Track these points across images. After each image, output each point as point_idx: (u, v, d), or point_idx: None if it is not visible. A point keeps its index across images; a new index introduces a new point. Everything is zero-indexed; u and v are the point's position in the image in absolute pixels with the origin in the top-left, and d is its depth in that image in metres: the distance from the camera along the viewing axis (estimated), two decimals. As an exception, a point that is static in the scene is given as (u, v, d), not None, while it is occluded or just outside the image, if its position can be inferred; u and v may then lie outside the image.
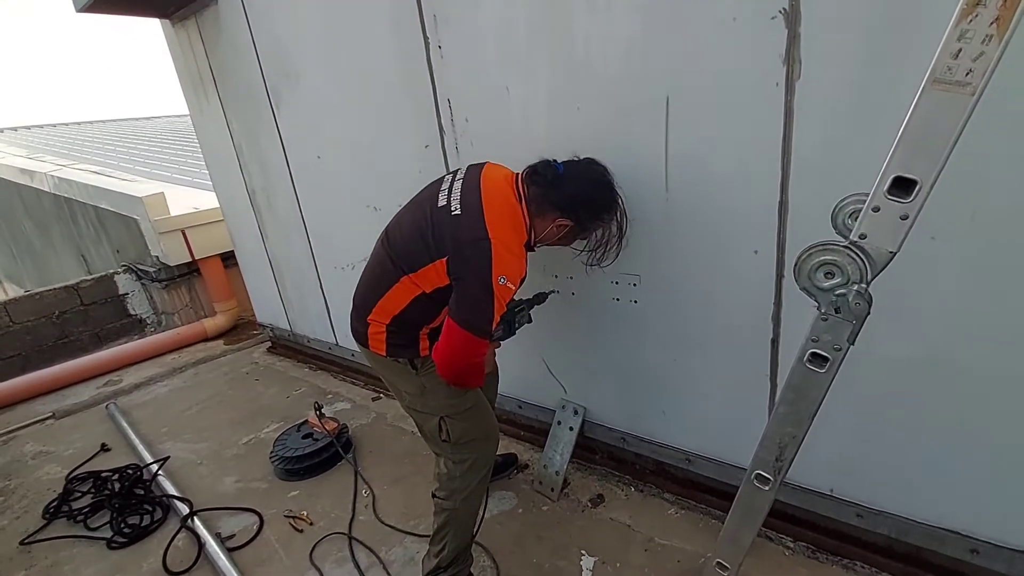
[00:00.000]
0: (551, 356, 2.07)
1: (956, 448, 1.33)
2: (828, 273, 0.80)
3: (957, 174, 1.10)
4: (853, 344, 0.83)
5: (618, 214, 1.51)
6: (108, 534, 2.08)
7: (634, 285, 1.71)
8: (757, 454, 1.00)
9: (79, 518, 2.19)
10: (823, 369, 0.86)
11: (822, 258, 0.80)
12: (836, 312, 0.81)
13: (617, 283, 1.75)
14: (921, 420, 1.35)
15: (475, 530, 1.60)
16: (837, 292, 0.80)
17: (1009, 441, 1.25)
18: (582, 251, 1.63)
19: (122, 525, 2.10)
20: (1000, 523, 1.33)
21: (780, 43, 1.25)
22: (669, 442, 1.85)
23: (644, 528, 1.80)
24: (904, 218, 0.72)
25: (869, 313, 0.80)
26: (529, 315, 1.74)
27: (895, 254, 0.75)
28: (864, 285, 0.78)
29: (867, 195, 0.99)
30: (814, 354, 0.86)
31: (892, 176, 0.71)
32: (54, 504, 2.28)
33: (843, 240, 0.78)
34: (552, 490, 1.97)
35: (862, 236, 0.76)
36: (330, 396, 3.00)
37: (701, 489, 1.85)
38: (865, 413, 1.43)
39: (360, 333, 1.48)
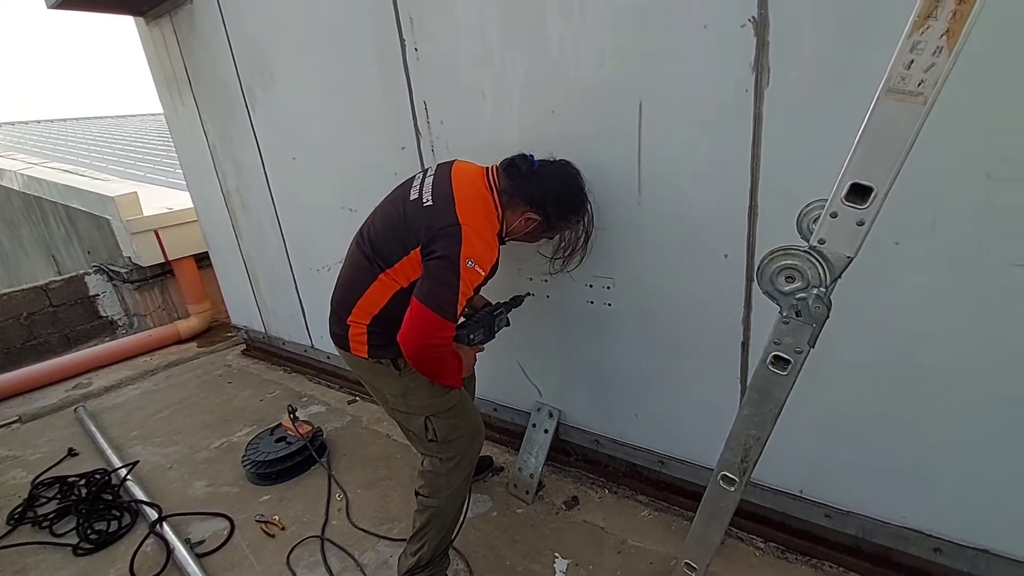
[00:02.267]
0: (526, 359, 2.07)
1: (918, 449, 1.36)
2: (789, 277, 0.81)
3: (918, 181, 1.14)
4: (813, 347, 0.85)
5: (585, 218, 1.55)
6: (74, 540, 2.02)
7: (608, 288, 1.73)
8: (723, 456, 1.01)
9: (44, 524, 2.14)
10: (785, 371, 0.87)
11: (783, 262, 0.81)
12: (797, 315, 0.83)
13: (591, 286, 1.76)
14: (885, 422, 1.39)
15: (455, 531, 1.60)
16: (797, 296, 0.81)
17: (968, 442, 1.29)
18: (550, 258, 1.65)
19: (88, 531, 2.05)
20: (961, 522, 1.36)
21: (749, 51, 1.27)
22: (642, 444, 1.86)
23: (617, 530, 1.81)
24: (861, 224, 0.74)
25: (828, 316, 0.81)
26: (507, 318, 1.75)
27: (852, 259, 0.77)
28: (823, 289, 0.79)
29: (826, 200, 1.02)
30: (776, 356, 0.87)
31: (849, 183, 0.73)
32: (19, 510, 2.22)
33: (804, 245, 0.79)
34: (527, 493, 1.97)
35: (821, 241, 0.78)
36: (305, 399, 2.96)
37: (674, 491, 1.86)
38: (832, 415, 1.46)
39: (340, 337, 1.47)
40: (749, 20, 1.25)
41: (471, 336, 1.61)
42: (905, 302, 1.26)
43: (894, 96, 0.67)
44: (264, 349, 3.58)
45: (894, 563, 1.51)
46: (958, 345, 1.23)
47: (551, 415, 2.03)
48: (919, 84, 0.65)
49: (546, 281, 1.86)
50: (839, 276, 0.78)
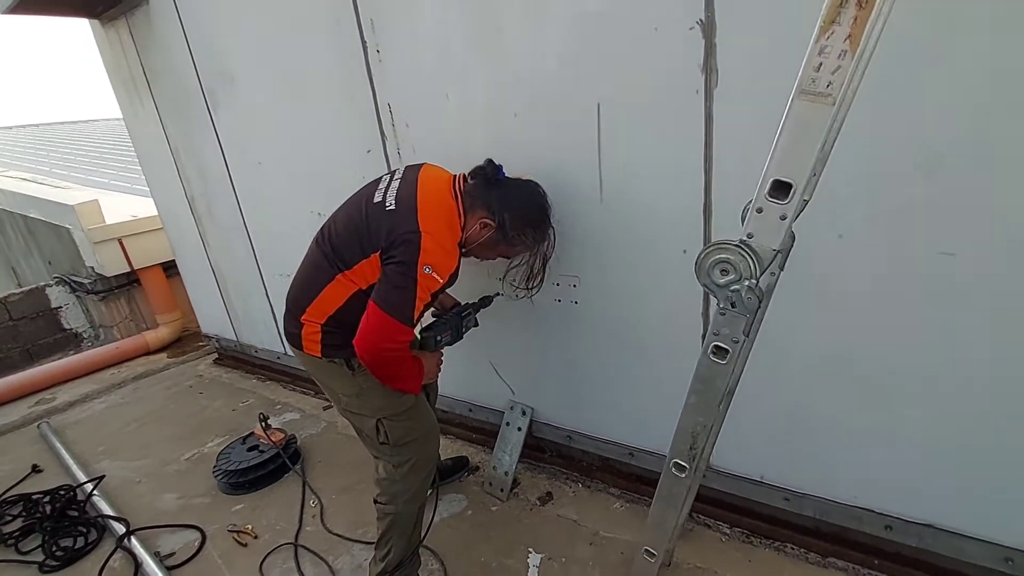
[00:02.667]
0: (498, 358, 2.09)
1: (864, 432, 1.43)
2: (723, 270, 0.85)
3: (859, 175, 1.19)
4: (748, 336, 0.89)
5: (544, 243, 1.57)
6: (40, 558, 1.99)
7: (574, 286, 1.76)
8: (673, 444, 1.05)
9: (9, 542, 2.10)
10: (725, 360, 0.91)
11: (717, 256, 0.85)
12: (732, 307, 0.87)
13: (558, 285, 1.79)
14: (835, 407, 1.45)
15: (422, 533, 1.61)
16: (732, 288, 0.85)
17: (907, 424, 1.35)
18: (502, 278, 1.70)
19: (54, 548, 2.02)
20: (908, 500, 1.43)
21: (698, 53, 1.31)
22: (612, 438, 1.91)
23: (590, 523, 1.85)
24: (783, 218, 0.78)
25: (760, 307, 0.86)
26: (476, 319, 1.76)
27: (778, 252, 0.81)
28: (755, 281, 0.83)
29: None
30: (716, 347, 0.91)
31: (771, 180, 0.77)
32: (-19, 529, 2.15)
33: (735, 239, 0.83)
34: (502, 490, 1.99)
35: (749, 236, 0.82)
36: (279, 407, 2.94)
37: (644, 482, 1.90)
38: (788, 403, 1.51)
39: (293, 335, 1.47)
40: (697, 23, 1.30)
41: (438, 337, 1.62)
42: (849, 293, 1.32)
43: (806, 97, 0.71)
44: (236, 358, 3.53)
45: (850, 541, 1.57)
46: (899, 335, 1.29)
47: (524, 413, 2.06)
48: (827, 85, 0.69)
49: (515, 281, 1.89)
50: (768, 267, 0.82)
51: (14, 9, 2.43)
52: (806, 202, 1.06)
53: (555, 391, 1.99)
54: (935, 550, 1.43)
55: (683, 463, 1.05)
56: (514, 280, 1.70)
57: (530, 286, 1.67)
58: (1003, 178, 1.08)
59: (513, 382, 2.10)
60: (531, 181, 1.52)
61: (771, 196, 0.77)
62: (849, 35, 0.67)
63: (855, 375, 1.38)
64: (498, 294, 1.85)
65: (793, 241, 1.10)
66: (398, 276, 1.27)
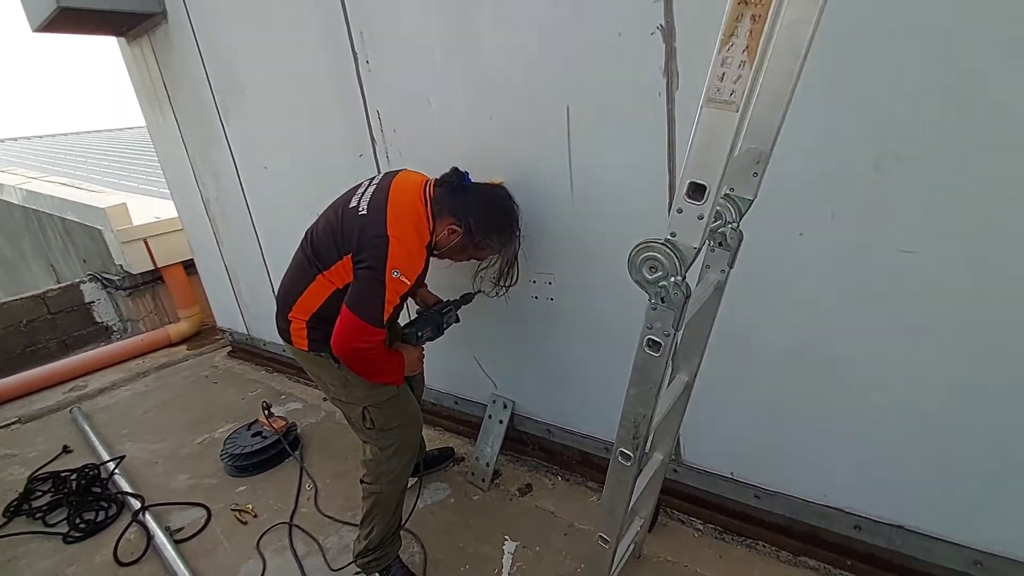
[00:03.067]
0: (481, 353, 2.17)
1: (831, 431, 1.43)
2: (652, 267, 0.90)
3: (818, 173, 1.22)
4: (678, 329, 0.93)
5: (511, 249, 1.63)
6: (65, 529, 2.16)
7: (549, 283, 1.82)
8: (618, 433, 1.10)
9: (38, 515, 2.28)
10: (658, 353, 0.96)
11: (646, 254, 0.90)
12: (662, 301, 0.92)
13: (534, 282, 1.85)
14: (801, 405, 1.46)
15: (402, 516, 1.70)
16: (660, 284, 0.90)
17: (873, 423, 1.36)
18: (473, 276, 1.77)
19: (78, 521, 2.19)
20: (876, 499, 1.43)
21: (659, 56, 1.35)
22: (589, 432, 1.95)
23: (566, 515, 1.90)
24: (700, 218, 0.83)
25: (687, 302, 0.90)
26: (456, 315, 1.84)
27: (699, 249, 0.86)
28: (680, 277, 0.88)
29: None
30: (650, 340, 0.96)
31: (687, 182, 0.82)
32: (14, 503, 2.36)
33: (661, 238, 0.88)
34: (483, 480, 2.07)
35: (672, 234, 0.86)
36: (284, 397, 3.09)
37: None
38: (757, 400, 1.54)
39: (283, 330, 1.57)
40: (658, 28, 1.34)
41: (419, 333, 1.70)
42: (811, 290, 1.35)
43: (713, 105, 0.76)
44: (247, 350, 3.70)
45: (821, 540, 1.58)
46: (862, 331, 1.30)
47: (505, 406, 2.13)
48: (731, 94, 0.74)
49: (486, 293, 1.95)
50: (690, 264, 0.87)
51: (46, 28, 2.62)
52: (751, 202, 1.11)
53: (535, 385, 2.05)
54: (905, 551, 1.43)
55: (628, 452, 1.10)
56: (487, 280, 1.77)
57: (501, 284, 1.74)
58: (962, 175, 1.09)
59: (496, 376, 2.17)
60: (498, 186, 1.59)
61: (689, 197, 0.82)
62: (747, 47, 0.71)
63: (821, 372, 1.39)
64: (479, 291, 1.92)
65: (741, 239, 1.14)
66: (367, 281, 1.35)
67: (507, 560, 1.75)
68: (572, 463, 2.08)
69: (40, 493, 2.43)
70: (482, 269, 1.73)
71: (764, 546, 1.67)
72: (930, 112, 1.09)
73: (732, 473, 1.68)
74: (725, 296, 1.48)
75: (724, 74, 0.75)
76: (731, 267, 1.18)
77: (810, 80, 1.17)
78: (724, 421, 1.62)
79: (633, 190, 1.52)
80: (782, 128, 1.00)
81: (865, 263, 1.25)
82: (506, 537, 1.83)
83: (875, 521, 1.45)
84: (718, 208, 1.12)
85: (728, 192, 1.11)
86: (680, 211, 0.85)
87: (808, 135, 1.23)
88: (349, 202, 1.48)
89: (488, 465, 2.07)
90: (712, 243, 1.16)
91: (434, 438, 2.42)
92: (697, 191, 0.82)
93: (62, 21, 2.60)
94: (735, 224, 1.12)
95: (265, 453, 2.38)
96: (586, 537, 1.79)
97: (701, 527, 1.78)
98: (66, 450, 2.80)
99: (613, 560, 1.28)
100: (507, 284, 1.74)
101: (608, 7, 1.39)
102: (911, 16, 1.06)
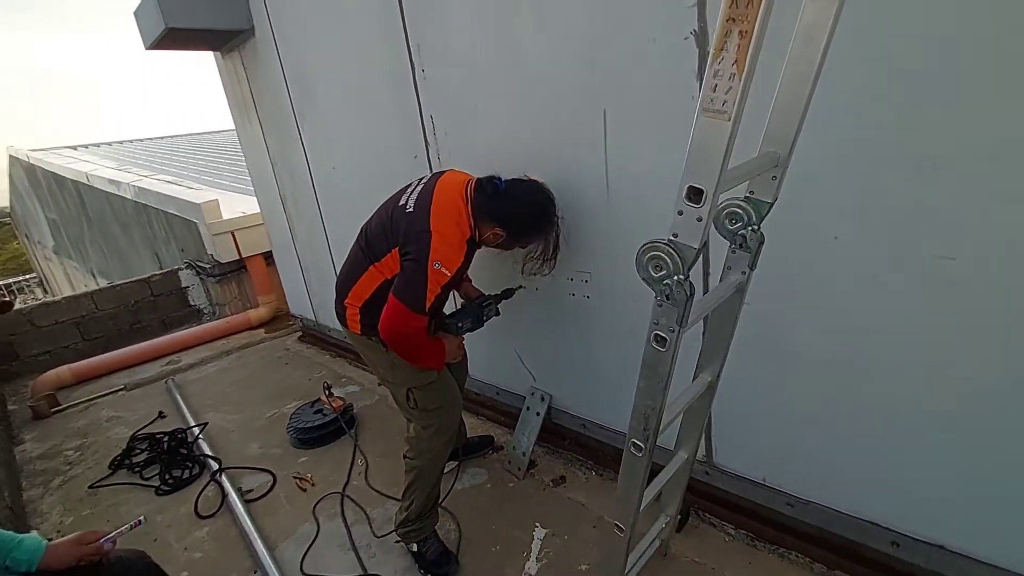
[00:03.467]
0: (522, 347, 2.26)
1: (868, 441, 1.40)
2: (657, 266, 0.95)
3: (854, 177, 1.21)
4: (682, 326, 0.98)
5: (553, 235, 1.72)
6: (157, 483, 2.48)
7: (586, 282, 1.88)
8: (630, 424, 1.15)
9: (136, 469, 2.62)
10: (664, 348, 1.01)
11: (651, 254, 0.95)
12: (667, 299, 0.97)
13: (572, 280, 1.91)
14: (834, 412, 1.43)
15: (440, 492, 1.82)
16: (664, 282, 0.95)
17: (911, 436, 1.32)
18: (525, 260, 1.86)
19: (167, 477, 2.50)
20: (914, 515, 1.38)
21: (693, 60, 1.38)
22: (623, 429, 1.98)
23: (597, 508, 1.95)
24: (699, 220, 0.87)
25: (690, 300, 0.95)
26: (497, 309, 1.94)
27: (699, 250, 0.90)
28: (683, 276, 0.93)
29: (738, 199, 1.14)
30: (656, 335, 1.01)
31: (687, 185, 0.87)
32: (118, 458, 2.71)
33: (665, 238, 0.93)
34: (519, 469, 2.16)
35: (675, 235, 0.91)
36: (344, 379, 3.34)
37: (654, 475, 1.96)
38: (789, 405, 1.52)
39: (340, 315, 1.73)
40: (691, 33, 1.37)
41: (459, 324, 1.82)
42: (845, 295, 1.32)
43: (708, 114, 0.80)
44: (315, 335, 4.01)
45: (859, 556, 1.52)
46: (898, 339, 1.27)
47: (543, 399, 2.21)
48: (723, 104, 0.78)
49: (535, 275, 2.04)
50: (692, 264, 0.91)
51: (157, 46, 3.01)
52: (771, 204, 1.12)
53: (571, 381, 2.11)
54: (946, 573, 1.38)
55: (639, 443, 1.15)
56: (533, 265, 1.85)
57: (546, 265, 1.83)
58: (1003, 181, 1.05)
59: (534, 369, 2.25)
60: (533, 181, 1.67)
61: (688, 201, 0.87)
62: (736, 60, 0.75)
63: (855, 379, 1.37)
64: (520, 287, 2.01)
65: (762, 242, 1.16)
66: (412, 271, 1.48)
67: (536, 545, 1.83)
68: (606, 459, 2.12)
69: (139, 451, 2.78)
70: (529, 254, 1.82)
71: (797, 556, 1.64)
72: (970, 116, 1.05)
73: (764, 479, 1.66)
74: (757, 299, 1.49)
75: (716, 85, 0.79)
76: (752, 269, 1.19)
77: (845, 82, 1.17)
78: (756, 425, 1.61)
79: (666, 191, 1.54)
80: (800, 132, 1.01)
81: (901, 269, 1.22)
82: (537, 524, 1.91)
83: (913, 538, 1.40)
84: (738, 210, 1.15)
85: (748, 195, 1.13)
86: (680, 213, 0.90)
87: (843, 138, 1.22)
88: (399, 200, 1.62)
89: (524, 455, 2.16)
90: (733, 245, 1.18)
91: (476, 426, 2.54)
92: (695, 194, 0.87)
93: (170, 39, 2.97)
94: (756, 226, 1.14)
95: (324, 429, 2.61)
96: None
97: (732, 532, 1.77)
98: (161, 415, 3.19)
99: (628, 548, 1.33)
100: (551, 266, 1.84)
101: (643, 13, 1.43)
102: (951, 19, 1.03)
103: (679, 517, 1.77)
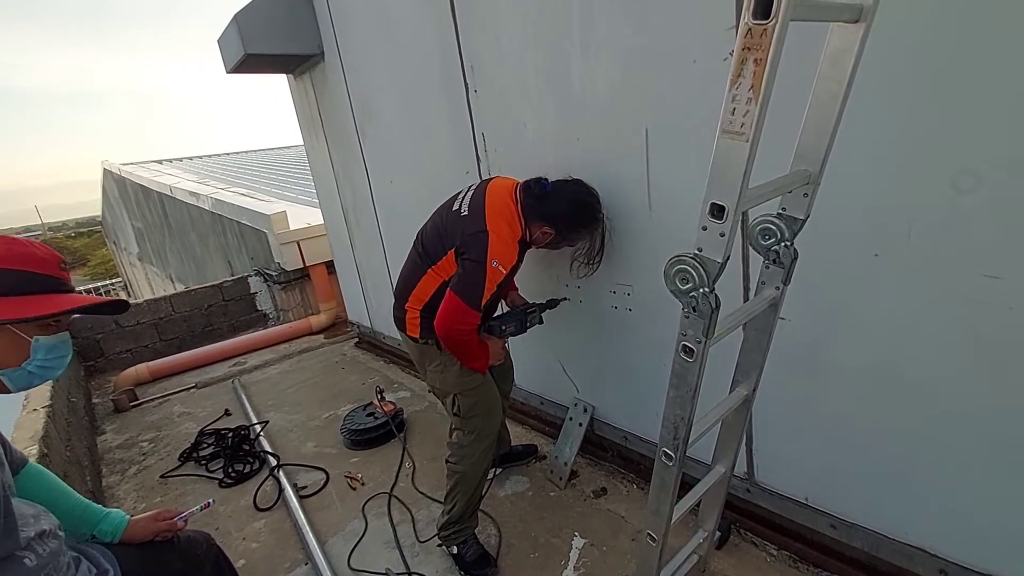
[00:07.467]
0: (565, 358, 2.30)
1: (911, 462, 1.36)
2: (683, 279, 0.99)
3: (893, 194, 1.21)
4: (708, 337, 1.01)
5: (601, 230, 1.77)
6: (221, 476, 2.66)
7: (628, 294, 1.91)
8: (661, 434, 1.18)
9: (203, 462, 2.82)
10: (692, 359, 1.04)
11: (678, 267, 0.99)
12: (693, 310, 1.01)
13: (615, 292, 1.95)
14: (880, 432, 1.40)
15: (481, 495, 1.88)
16: (691, 294, 0.99)
17: (955, 457, 1.28)
18: (571, 265, 1.92)
19: (230, 470, 2.68)
20: (963, 542, 1.33)
21: (732, 81, 1.41)
22: (663, 442, 1.98)
23: (636, 521, 1.96)
24: (722, 235, 0.91)
25: (715, 312, 0.98)
26: (540, 317, 2.00)
27: (722, 264, 0.94)
28: (707, 289, 0.97)
29: (771, 215, 1.17)
30: (684, 346, 1.05)
31: (709, 203, 0.91)
32: (187, 451, 2.94)
33: (691, 252, 0.98)
34: (560, 479, 2.19)
35: (699, 250, 0.95)
36: (396, 385, 3.48)
37: (689, 486, 1.94)
38: (832, 423, 1.49)
39: (399, 319, 1.82)
40: (730, 54, 1.40)
41: (503, 327, 1.89)
42: (887, 312, 1.30)
43: (727, 135, 0.85)
44: (371, 342, 4.21)
45: (906, 583, 1.47)
46: (943, 358, 1.24)
47: (585, 410, 2.24)
48: (741, 126, 0.83)
49: (579, 287, 2.09)
50: (717, 277, 0.95)
51: (237, 70, 3.33)
52: (803, 221, 1.14)
53: (613, 393, 2.13)
54: (1001, 607, 1.30)
55: (670, 452, 1.18)
56: (580, 267, 1.91)
57: (592, 262, 1.88)
58: None
59: (577, 381, 2.28)
60: (575, 182, 1.74)
61: (711, 216, 0.91)
62: (752, 85, 0.80)
63: (899, 398, 1.34)
64: (564, 299, 2.07)
65: (795, 257, 1.17)
66: (471, 269, 1.56)
67: (574, 554, 1.86)
68: (647, 472, 2.10)
69: (206, 445, 2.99)
70: (578, 253, 1.88)
71: (842, 581, 1.59)
72: (1012, 130, 1.03)
73: (807, 499, 1.62)
74: (798, 315, 1.49)
75: (735, 109, 0.83)
76: (786, 284, 1.21)
77: (882, 98, 1.17)
78: (798, 443, 1.58)
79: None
80: (831, 150, 1.03)
81: (944, 287, 1.19)
82: (576, 533, 1.94)
83: (962, 567, 1.33)
84: (771, 226, 1.17)
85: (781, 211, 1.15)
86: (704, 228, 0.94)
87: (882, 154, 1.21)
88: (452, 206, 1.72)
89: (566, 464, 2.19)
90: (767, 260, 1.20)
91: (520, 435, 2.59)
92: (718, 211, 0.91)
93: (248, 64, 3.28)
94: (789, 242, 1.16)
95: (375, 431, 2.74)
96: (652, 544, 1.83)
97: (775, 552, 1.73)
98: (227, 413, 3.42)
99: (660, 558, 1.35)
100: (597, 261, 1.88)
101: (683, 36, 1.48)
102: (991, 35, 1.02)
103: (719, 534, 1.75)
